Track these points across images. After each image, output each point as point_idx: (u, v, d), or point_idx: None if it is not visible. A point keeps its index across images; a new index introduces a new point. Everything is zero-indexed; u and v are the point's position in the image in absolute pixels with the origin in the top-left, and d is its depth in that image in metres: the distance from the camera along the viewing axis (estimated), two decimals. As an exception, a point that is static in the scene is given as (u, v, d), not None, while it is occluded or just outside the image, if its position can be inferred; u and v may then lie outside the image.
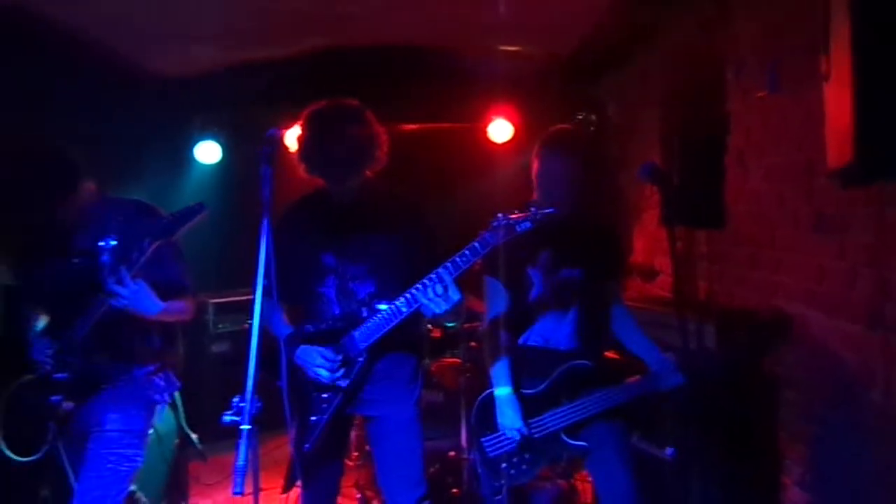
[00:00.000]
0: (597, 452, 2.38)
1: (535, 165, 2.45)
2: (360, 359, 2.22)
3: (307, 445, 2.19)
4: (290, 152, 2.27)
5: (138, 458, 2.34)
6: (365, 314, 2.25)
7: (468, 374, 3.49)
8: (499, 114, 4.80)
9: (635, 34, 3.94)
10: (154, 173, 4.43)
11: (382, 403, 2.31)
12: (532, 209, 2.08)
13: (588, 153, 2.49)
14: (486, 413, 2.42)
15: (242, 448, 1.69)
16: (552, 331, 2.46)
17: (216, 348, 4.81)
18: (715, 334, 2.81)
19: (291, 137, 2.33)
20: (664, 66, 3.89)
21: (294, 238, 2.30)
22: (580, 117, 4.82)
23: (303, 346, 2.24)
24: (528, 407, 2.38)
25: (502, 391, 2.37)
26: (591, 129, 4.84)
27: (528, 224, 2.06)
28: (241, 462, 1.67)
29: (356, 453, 3.86)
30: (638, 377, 2.41)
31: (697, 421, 2.63)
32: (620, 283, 2.64)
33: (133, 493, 2.54)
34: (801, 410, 2.53)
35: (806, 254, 2.47)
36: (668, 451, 2.67)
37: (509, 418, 2.35)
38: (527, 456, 2.40)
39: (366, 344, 2.21)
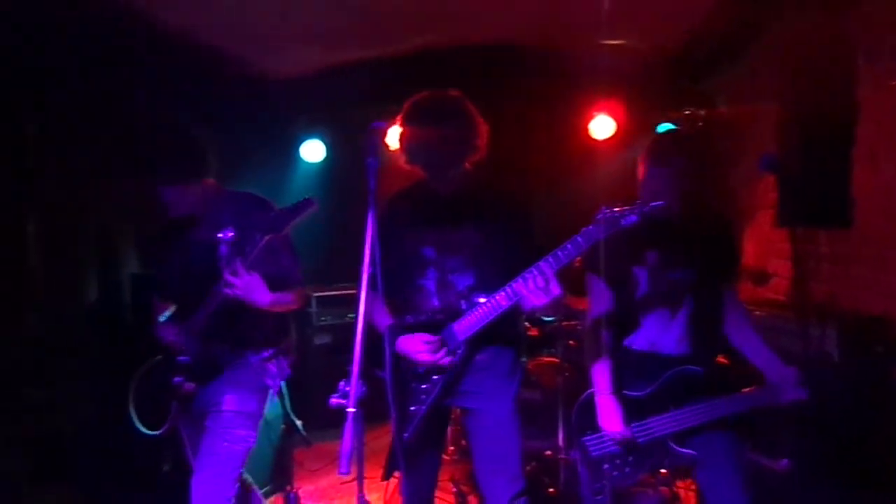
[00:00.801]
0: (706, 462, 2.26)
1: (644, 170, 2.35)
2: (459, 351, 2.22)
3: (406, 434, 2.21)
4: (390, 150, 2.31)
5: (251, 439, 2.46)
6: (464, 307, 2.25)
7: (566, 374, 3.43)
8: (601, 110, 4.69)
9: (749, 22, 3.73)
10: (261, 171, 4.65)
11: (481, 396, 2.30)
12: (638, 202, 2.00)
13: (699, 155, 2.36)
14: (588, 413, 2.35)
15: (348, 430, 1.72)
16: (659, 334, 2.36)
17: (318, 340, 4.98)
18: (837, 341, 2.61)
19: (393, 134, 2.37)
20: (782, 55, 3.66)
21: (395, 230, 2.33)
22: (687, 113, 4.64)
23: (405, 336, 2.27)
24: (632, 410, 2.30)
25: (603, 394, 2.31)
26: (700, 125, 4.64)
27: (634, 217, 1.99)
28: (347, 444, 1.70)
29: (452, 447, 3.88)
30: (754, 388, 2.27)
31: (815, 432, 2.45)
32: (735, 285, 2.49)
33: (241, 473, 2.66)
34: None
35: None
36: (783, 462, 2.51)
37: (611, 422, 2.28)
38: (630, 459, 2.32)
39: (465, 336, 2.21)
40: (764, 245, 3.95)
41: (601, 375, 2.32)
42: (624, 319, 2.38)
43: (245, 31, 3.85)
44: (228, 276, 2.21)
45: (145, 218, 2.91)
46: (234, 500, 2.42)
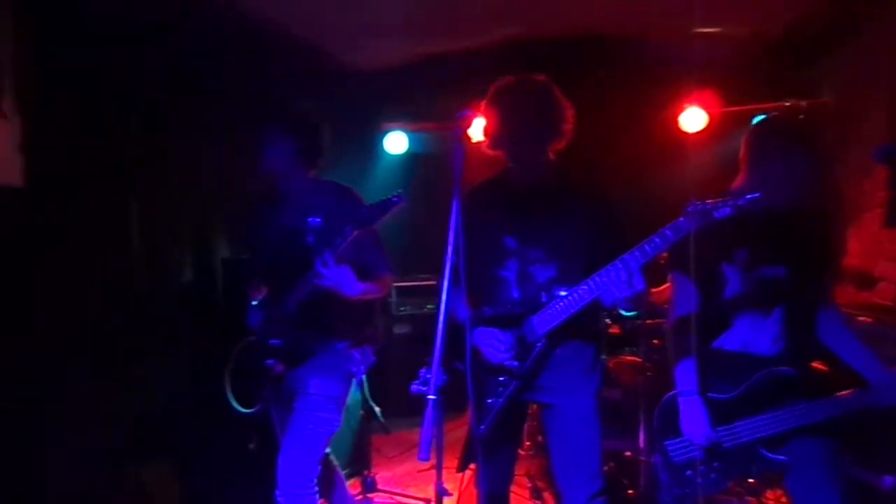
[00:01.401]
0: (799, 469, 2.12)
1: (744, 158, 2.23)
2: (539, 344, 2.18)
3: (482, 427, 2.20)
4: (473, 142, 2.29)
5: (335, 423, 2.54)
6: (544, 299, 2.21)
7: (648, 374, 3.32)
8: (692, 101, 4.50)
9: (859, 3, 3.47)
10: (345, 164, 4.74)
11: (560, 392, 2.25)
12: (732, 195, 1.90)
13: (807, 143, 2.22)
14: (671, 415, 2.26)
15: (429, 417, 1.72)
16: (751, 334, 2.24)
17: (398, 330, 5.05)
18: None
19: (478, 125, 2.35)
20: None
21: (476, 220, 2.30)
22: (788, 104, 4.37)
23: (480, 328, 2.25)
24: (719, 413, 2.19)
25: (688, 395, 2.21)
26: (801, 117, 4.37)
27: (727, 210, 1.89)
28: (427, 431, 1.70)
29: (528, 443, 3.85)
30: (853, 390, 2.12)
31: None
32: (832, 284, 2.33)
33: (328, 454, 2.74)
34: None
35: None
36: (887, 480, 2.33)
37: (695, 424, 2.18)
38: (716, 465, 2.21)
39: (544, 330, 2.17)
40: (871, 246, 3.67)
41: (685, 376, 2.22)
42: (712, 319, 2.27)
43: (327, 25, 3.92)
44: (319, 268, 2.26)
45: (239, 205, 3.03)
46: (317, 481, 2.50)
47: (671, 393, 2.28)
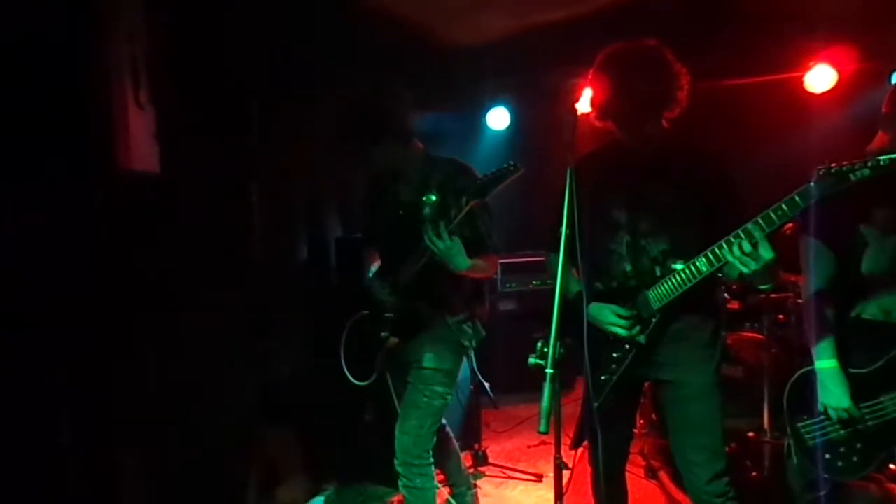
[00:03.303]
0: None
1: (890, 107, 2.04)
2: (654, 319, 2.12)
3: (597, 404, 2.16)
4: (580, 115, 2.22)
5: (448, 396, 2.61)
6: (659, 273, 2.14)
7: (773, 351, 3.14)
8: (820, 59, 4.15)
9: None
10: (449, 140, 4.77)
11: (679, 367, 2.17)
12: (871, 154, 1.74)
13: None
14: (803, 394, 2.12)
15: (547, 390, 1.71)
16: (893, 301, 2.06)
17: (503, 307, 5.05)
18: None
19: (584, 98, 2.28)
20: None
21: (585, 192, 2.26)
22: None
23: (595, 304, 2.21)
24: (860, 389, 2.03)
25: (827, 363, 2.06)
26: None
27: (866, 171, 1.73)
28: (545, 404, 1.69)
29: (642, 421, 3.76)
30: None
31: None
32: None
33: (444, 426, 2.81)
34: None
35: None
36: None
37: (835, 396, 2.03)
38: (858, 446, 2.05)
39: (659, 304, 2.10)
40: None
41: (824, 347, 2.08)
42: (849, 286, 2.10)
43: (427, 1, 3.91)
44: (433, 239, 2.30)
45: (351, 185, 3.11)
46: (432, 451, 2.58)
47: (804, 369, 2.14)
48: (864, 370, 2.05)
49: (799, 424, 2.14)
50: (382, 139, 2.47)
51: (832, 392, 2.04)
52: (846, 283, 2.10)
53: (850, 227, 2.07)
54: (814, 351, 2.11)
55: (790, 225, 2.00)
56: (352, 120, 2.50)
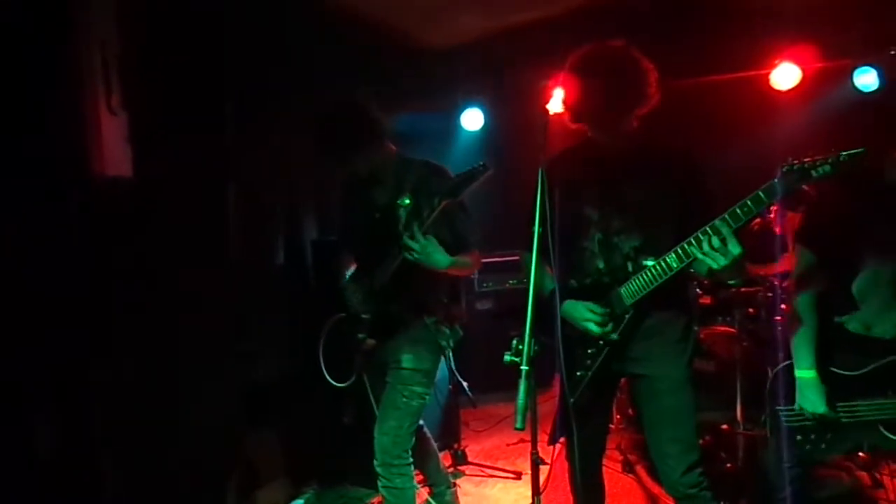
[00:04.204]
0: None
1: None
2: (627, 316, 2.15)
3: (572, 400, 2.19)
4: (551, 115, 2.26)
5: (427, 396, 2.62)
6: (631, 269, 2.17)
7: (744, 344, 3.21)
8: (785, 57, 4.24)
9: None
10: (423, 141, 4.78)
11: (652, 362, 2.21)
12: (833, 151, 1.80)
13: None
14: (785, 383, 2.19)
15: (522, 387, 1.74)
16: (877, 317, 2.14)
17: (480, 306, 5.07)
18: None
19: (556, 98, 2.32)
20: None
21: (558, 190, 2.28)
22: (894, 53, 4.04)
23: (569, 301, 2.24)
24: (839, 388, 2.11)
25: (805, 373, 2.14)
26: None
27: (827, 167, 1.78)
28: (521, 401, 1.71)
29: (619, 416, 3.81)
30: None
31: None
32: None
33: (422, 426, 2.83)
34: None
35: None
36: None
37: (811, 403, 2.11)
38: (828, 436, 2.13)
39: (632, 300, 2.14)
40: None
41: (802, 354, 2.15)
42: (837, 297, 2.18)
43: (403, 3, 3.92)
44: (407, 241, 2.31)
45: (326, 188, 3.11)
46: (411, 451, 2.59)
47: (786, 363, 2.21)
48: (847, 373, 2.13)
49: (779, 409, 2.21)
50: (358, 149, 2.49)
51: (809, 399, 2.12)
52: (835, 293, 2.17)
53: (851, 248, 2.13)
54: (794, 357, 2.18)
55: (757, 220, 2.06)
56: (326, 135, 2.51)
